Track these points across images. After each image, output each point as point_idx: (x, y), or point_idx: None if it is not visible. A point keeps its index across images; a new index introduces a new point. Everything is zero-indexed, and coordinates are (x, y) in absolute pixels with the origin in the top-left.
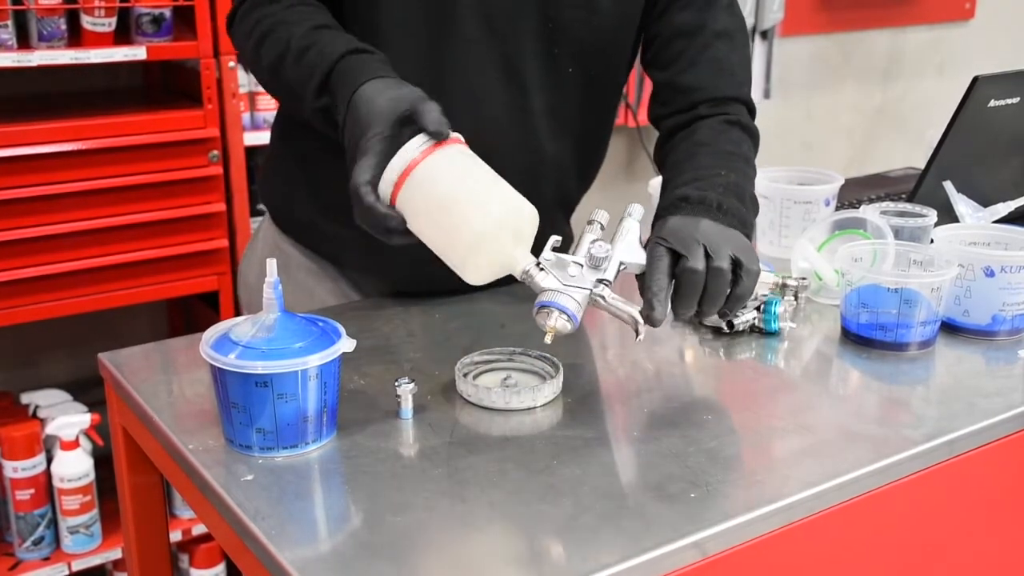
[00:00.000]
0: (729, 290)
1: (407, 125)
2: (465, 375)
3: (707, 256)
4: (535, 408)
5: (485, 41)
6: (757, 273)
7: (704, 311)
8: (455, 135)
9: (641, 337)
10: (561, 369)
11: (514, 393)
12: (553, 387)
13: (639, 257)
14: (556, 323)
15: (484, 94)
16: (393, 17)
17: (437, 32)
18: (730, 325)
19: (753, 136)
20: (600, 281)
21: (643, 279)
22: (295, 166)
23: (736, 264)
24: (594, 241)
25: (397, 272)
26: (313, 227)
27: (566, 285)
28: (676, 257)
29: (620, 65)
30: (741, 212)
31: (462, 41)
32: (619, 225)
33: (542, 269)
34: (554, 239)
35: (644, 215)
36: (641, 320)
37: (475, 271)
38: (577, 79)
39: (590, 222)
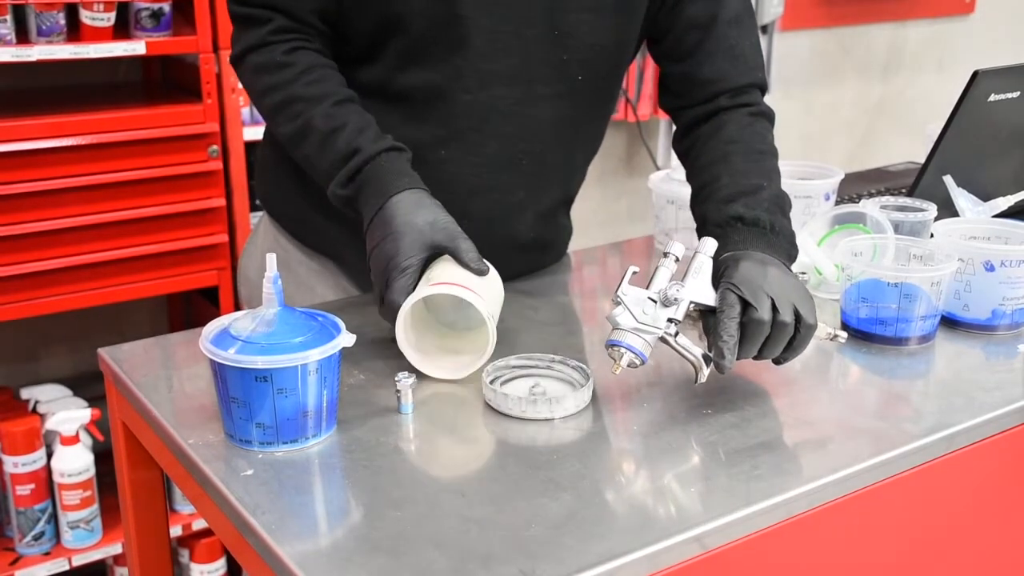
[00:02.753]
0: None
1: (438, 252)
2: (491, 381)
3: (773, 309)
4: (554, 419)
5: (491, 56)
6: (814, 327)
7: (762, 356)
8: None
9: (703, 379)
10: (590, 382)
11: (542, 403)
12: (576, 400)
13: (709, 299)
14: (626, 363)
15: (490, 108)
16: (400, 36)
17: (443, 49)
18: (776, 362)
19: (772, 121)
20: (670, 320)
21: (710, 320)
22: (289, 163)
23: (796, 318)
24: (670, 280)
25: None
26: (309, 223)
27: (639, 322)
28: (745, 305)
29: (624, 63)
30: (788, 229)
31: (468, 57)
32: (692, 260)
33: (618, 303)
34: (632, 270)
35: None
36: (705, 364)
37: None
38: (585, 84)
39: (665, 254)
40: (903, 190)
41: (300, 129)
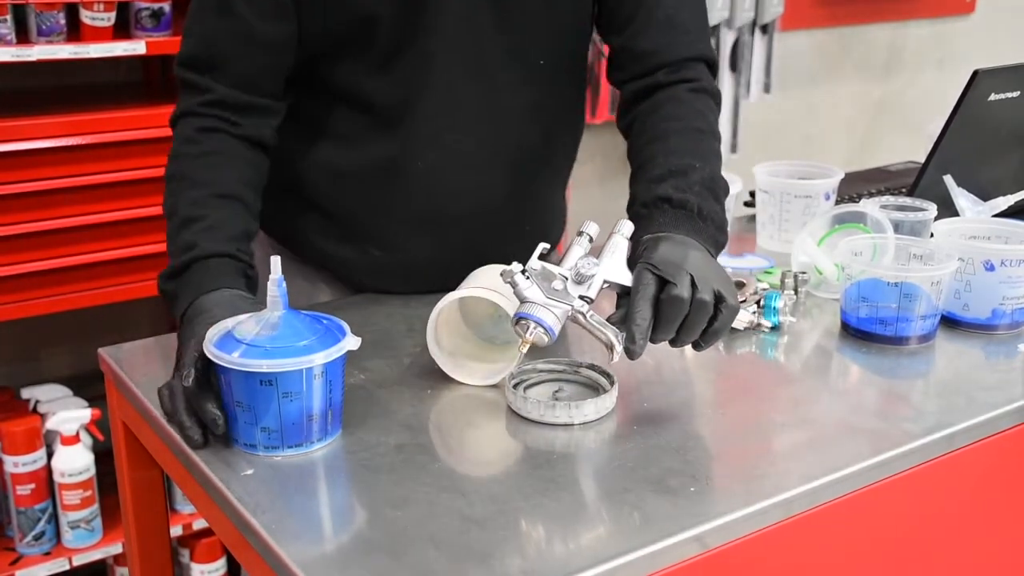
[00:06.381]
0: (706, 324)
1: None
2: (515, 385)
3: (692, 287)
4: (574, 425)
5: (449, 52)
6: (736, 309)
7: (680, 339)
8: None
9: (615, 360)
10: (613, 388)
11: (563, 407)
12: (596, 406)
13: (624, 278)
14: (533, 336)
15: (458, 105)
16: (360, 46)
17: (403, 54)
18: (696, 347)
19: (716, 99)
20: (582, 298)
21: (624, 300)
22: (282, 180)
23: (718, 299)
24: (582, 256)
25: (381, 284)
26: (304, 241)
27: (548, 298)
28: (662, 284)
29: (585, 40)
30: (718, 215)
31: (427, 58)
32: (608, 240)
33: (527, 277)
34: (542, 246)
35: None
36: (618, 345)
37: None
38: (547, 69)
39: (579, 234)
40: (903, 190)
41: (170, 208)
